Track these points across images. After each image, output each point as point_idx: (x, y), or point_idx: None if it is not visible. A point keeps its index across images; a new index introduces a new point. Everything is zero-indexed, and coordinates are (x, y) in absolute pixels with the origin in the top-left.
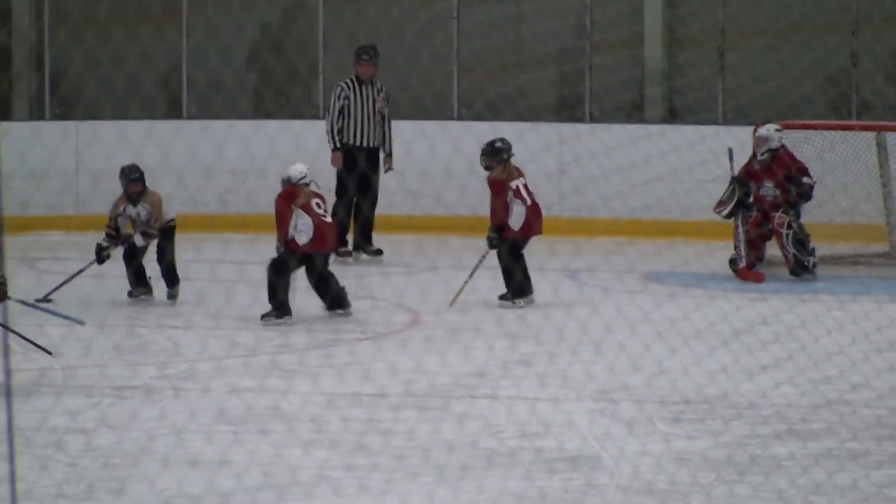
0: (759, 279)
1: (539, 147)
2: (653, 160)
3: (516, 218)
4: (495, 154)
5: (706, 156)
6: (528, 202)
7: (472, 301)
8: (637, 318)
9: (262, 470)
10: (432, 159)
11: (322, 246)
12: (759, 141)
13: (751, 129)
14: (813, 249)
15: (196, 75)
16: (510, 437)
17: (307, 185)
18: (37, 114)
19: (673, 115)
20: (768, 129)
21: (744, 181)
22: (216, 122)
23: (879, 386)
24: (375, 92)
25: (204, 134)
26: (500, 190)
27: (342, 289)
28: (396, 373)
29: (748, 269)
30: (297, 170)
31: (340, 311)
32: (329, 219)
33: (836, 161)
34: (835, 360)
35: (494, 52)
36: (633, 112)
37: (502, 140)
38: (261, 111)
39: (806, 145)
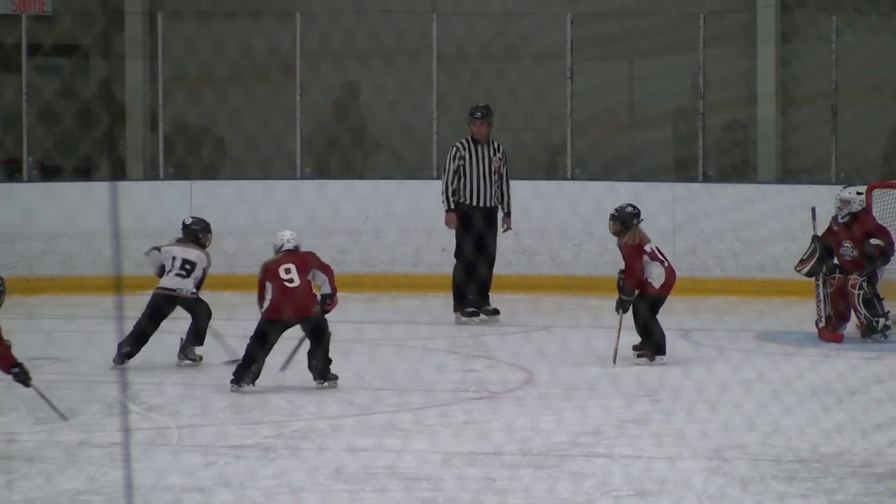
0: (838, 340)
1: (654, 207)
2: (767, 219)
3: (657, 277)
4: (627, 219)
5: (820, 216)
6: (666, 263)
7: (588, 359)
8: (752, 377)
9: None
10: (547, 219)
11: (275, 313)
12: (842, 203)
13: (866, 188)
14: (887, 312)
15: (311, 134)
16: (625, 496)
17: (285, 250)
18: (151, 173)
19: (787, 175)
20: (850, 192)
21: (824, 240)
22: (333, 182)
23: None
24: (492, 152)
25: (321, 194)
26: (637, 254)
27: (259, 368)
28: (512, 431)
29: (827, 328)
30: (279, 237)
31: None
32: (294, 284)
33: None
34: None
35: (609, 112)
36: (747, 171)
37: (632, 206)
38: (377, 171)
39: None
